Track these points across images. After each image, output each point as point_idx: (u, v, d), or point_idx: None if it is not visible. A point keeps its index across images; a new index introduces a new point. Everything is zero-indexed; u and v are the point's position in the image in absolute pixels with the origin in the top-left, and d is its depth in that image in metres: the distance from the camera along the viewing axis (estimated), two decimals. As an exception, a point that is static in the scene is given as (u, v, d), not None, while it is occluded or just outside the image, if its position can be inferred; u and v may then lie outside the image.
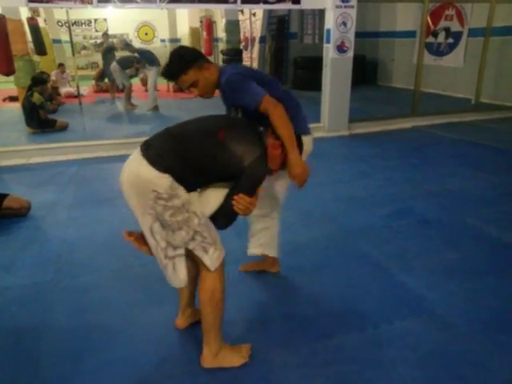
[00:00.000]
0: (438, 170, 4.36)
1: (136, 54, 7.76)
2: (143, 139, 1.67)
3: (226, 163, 1.58)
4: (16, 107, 7.75)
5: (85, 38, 14.07)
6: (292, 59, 10.60)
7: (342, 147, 5.36)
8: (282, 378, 1.75)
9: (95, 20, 13.89)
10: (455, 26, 7.55)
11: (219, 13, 12.92)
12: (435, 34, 7.82)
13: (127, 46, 9.16)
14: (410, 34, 8.33)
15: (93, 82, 10.25)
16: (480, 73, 6.91)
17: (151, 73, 7.69)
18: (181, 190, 1.54)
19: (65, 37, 11.17)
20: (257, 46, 10.72)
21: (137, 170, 1.53)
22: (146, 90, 8.24)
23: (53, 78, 8.87)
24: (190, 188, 1.59)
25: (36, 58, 9.19)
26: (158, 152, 1.54)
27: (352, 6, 5.38)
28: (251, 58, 10.83)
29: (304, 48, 10.51)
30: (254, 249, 2.39)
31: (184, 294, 1.98)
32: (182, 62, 1.82)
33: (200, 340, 1.80)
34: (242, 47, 11.38)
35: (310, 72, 9.57)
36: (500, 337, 1.95)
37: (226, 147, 1.57)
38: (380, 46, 10.75)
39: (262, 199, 2.02)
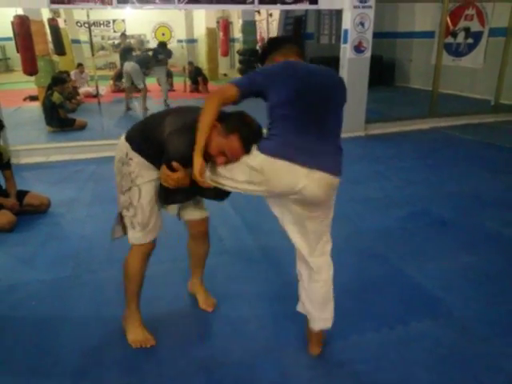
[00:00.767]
0: (455, 171, 4.31)
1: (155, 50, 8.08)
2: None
3: (160, 132, 1.66)
4: (36, 106, 7.92)
5: (103, 38, 14.27)
6: (308, 59, 10.57)
7: (357, 148, 5.32)
8: (296, 377, 1.76)
9: (113, 21, 14.06)
10: (475, 26, 7.41)
11: (236, 13, 12.98)
12: (454, 35, 7.71)
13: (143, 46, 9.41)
14: (428, 35, 8.22)
15: (110, 81, 10.39)
16: (500, 73, 6.78)
17: (162, 71, 8.02)
18: (134, 161, 1.71)
19: (83, 37, 11.34)
20: (273, 47, 10.70)
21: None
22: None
23: (72, 77, 9.02)
24: (152, 160, 1.71)
25: (56, 58, 9.35)
26: (132, 128, 1.84)
27: (370, 7, 5.35)
28: (267, 58, 10.81)
29: (320, 48, 10.49)
30: None
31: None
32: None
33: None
34: (258, 47, 11.40)
35: (326, 72, 9.53)
36: (518, 341, 1.92)
37: (164, 119, 1.69)
38: (397, 47, 10.64)
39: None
